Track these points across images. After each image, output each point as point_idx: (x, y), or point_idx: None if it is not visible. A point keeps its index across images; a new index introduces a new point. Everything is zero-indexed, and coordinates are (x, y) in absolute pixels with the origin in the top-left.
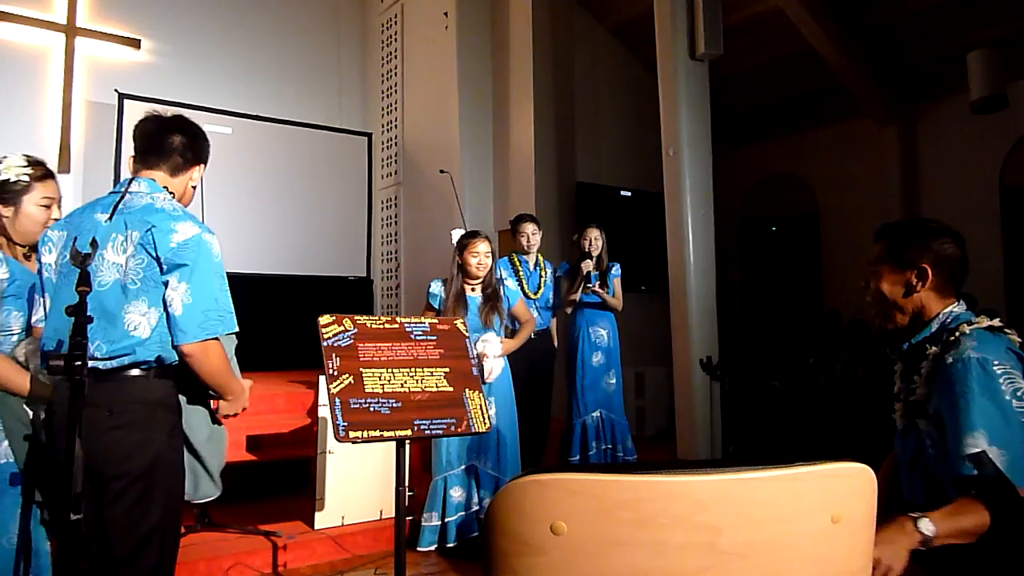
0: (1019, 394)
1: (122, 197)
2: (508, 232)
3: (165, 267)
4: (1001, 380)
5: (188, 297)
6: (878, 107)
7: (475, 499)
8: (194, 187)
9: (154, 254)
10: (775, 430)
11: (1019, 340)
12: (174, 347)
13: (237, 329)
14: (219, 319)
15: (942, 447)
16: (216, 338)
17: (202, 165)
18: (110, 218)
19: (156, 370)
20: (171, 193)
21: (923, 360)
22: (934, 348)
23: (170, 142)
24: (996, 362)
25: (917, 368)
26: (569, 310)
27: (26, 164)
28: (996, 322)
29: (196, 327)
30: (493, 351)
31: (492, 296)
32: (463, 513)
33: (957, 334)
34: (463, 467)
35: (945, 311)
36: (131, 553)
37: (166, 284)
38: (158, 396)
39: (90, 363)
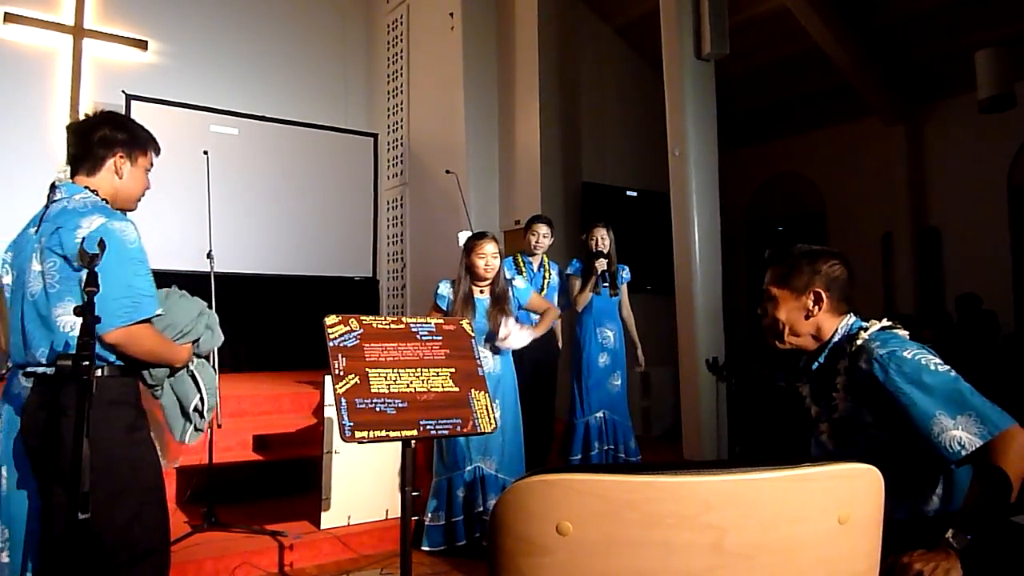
0: (936, 362)
1: (46, 208)
2: (513, 233)
3: (75, 265)
4: (918, 359)
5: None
6: (885, 106)
7: (479, 500)
8: (119, 176)
9: (61, 253)
10: (781, 430)
11: (906, 333)
12: (99, 340)
13: (159, 312)
14: (133, 305)
15: (896, 448)
16: (144, 321)
17: (119, 151)
18: (37, 230)
19: (109, 368)
20: (93, 191)
21: (836, 376)
22: (843, 361)
23: (87, 142)
24: (904, 349)
25: (833, 385)
26: (580, 309)
27: None
28: (885, 322)
29: (111, 315)
30: (518, 339)
31: (500, 298)
32: (468, 514)
33: (858, 342)
34: (468, 468)
35: (842, 325)
36: (114, 545)
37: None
38: (112, 395)
39: (39, 370)
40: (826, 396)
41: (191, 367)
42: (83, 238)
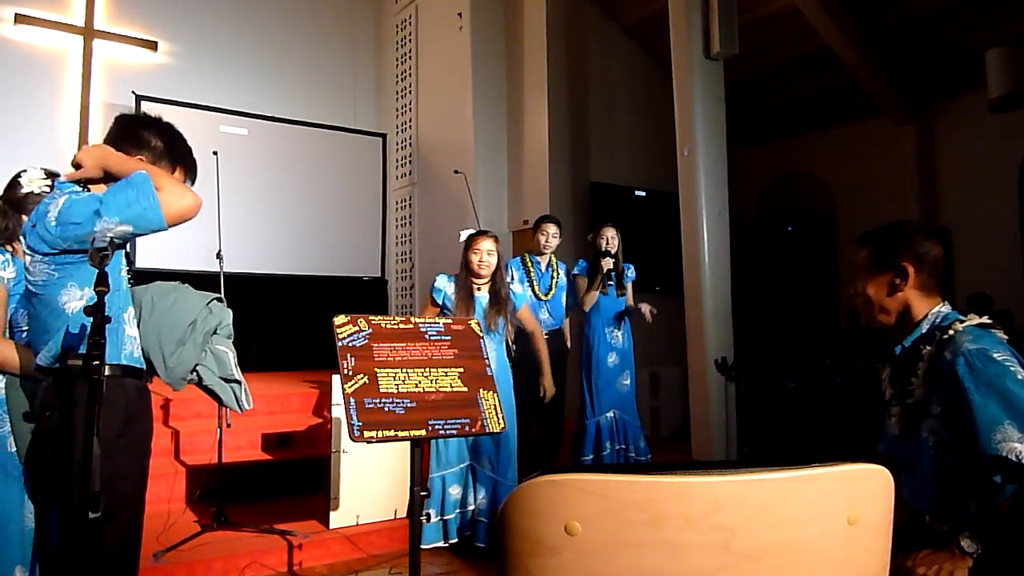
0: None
1: None
2: (521, 233)
3: (62, 242)
4: (1006, 365)
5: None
6: (895, 106)
7: (471, 499)
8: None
9: (45, 236)
10: (791, 431)
11: (1006, 337)
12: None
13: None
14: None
15: (953, 446)
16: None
17: (145, 155)
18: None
19: (109, 369)
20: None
21: (919, 361)
22: (929, 348)
23: (123, 134)
24: (996, 352)
25: (913, 370)
26: (587, 308)
27: (45, 176)
28: (985, 319)
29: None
30: None
31: (498, 298)
32: (460, 511)
33: (950, 332)
34: (461, 466)
35: (934, 311)
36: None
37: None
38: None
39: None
40: (903, 380)
41: (211, 344)
42: (55, 216)
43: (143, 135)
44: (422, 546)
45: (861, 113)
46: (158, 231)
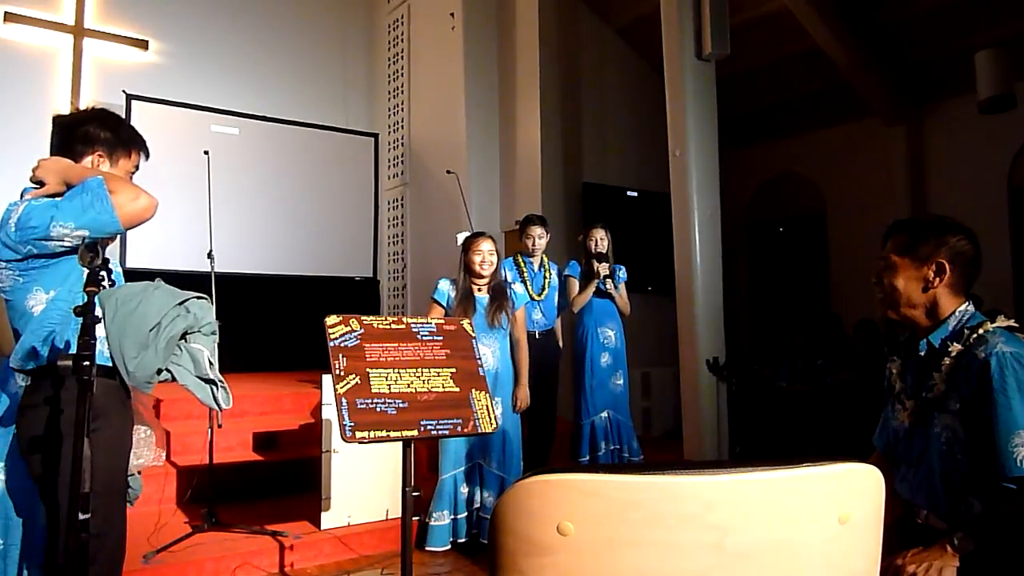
0: None
1: None
2: (514, 233)
3: (23, 247)
4: None
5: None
6: (886, 107)
7: (478, 497)
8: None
9: (7, 243)
10: (782, 431)
11: None
12: None
13: None
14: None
15: (968, 443)
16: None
17: (99, 149)
18: None
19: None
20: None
21: (943, 357)
22: (957, 345)
23: (70, 136)
24: None
25: (936, 365)
26: (576, 310)
27: None
28: (1012, 322)
29: None
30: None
31: (499, 296)
32: (469, 511)
33: (982, 331)
34: (469, 465)
35: (960, 309)
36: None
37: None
38: (71, 394)
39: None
40: (922, 375)
41: (187, 344)
42: (15, 223)
43: (88, 131)
44: (434, 548)
45: (852, 114)
46: (115, 234)
